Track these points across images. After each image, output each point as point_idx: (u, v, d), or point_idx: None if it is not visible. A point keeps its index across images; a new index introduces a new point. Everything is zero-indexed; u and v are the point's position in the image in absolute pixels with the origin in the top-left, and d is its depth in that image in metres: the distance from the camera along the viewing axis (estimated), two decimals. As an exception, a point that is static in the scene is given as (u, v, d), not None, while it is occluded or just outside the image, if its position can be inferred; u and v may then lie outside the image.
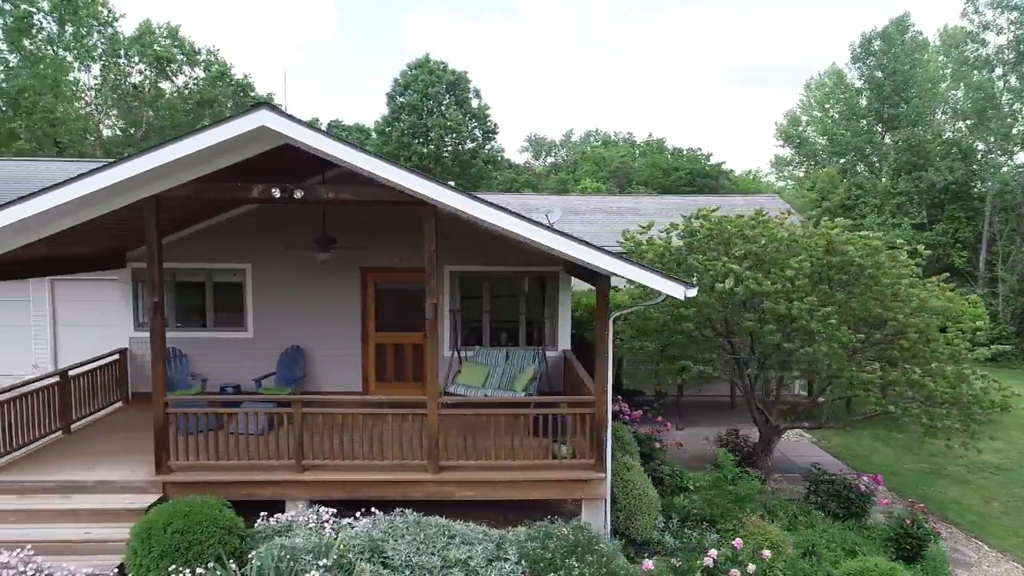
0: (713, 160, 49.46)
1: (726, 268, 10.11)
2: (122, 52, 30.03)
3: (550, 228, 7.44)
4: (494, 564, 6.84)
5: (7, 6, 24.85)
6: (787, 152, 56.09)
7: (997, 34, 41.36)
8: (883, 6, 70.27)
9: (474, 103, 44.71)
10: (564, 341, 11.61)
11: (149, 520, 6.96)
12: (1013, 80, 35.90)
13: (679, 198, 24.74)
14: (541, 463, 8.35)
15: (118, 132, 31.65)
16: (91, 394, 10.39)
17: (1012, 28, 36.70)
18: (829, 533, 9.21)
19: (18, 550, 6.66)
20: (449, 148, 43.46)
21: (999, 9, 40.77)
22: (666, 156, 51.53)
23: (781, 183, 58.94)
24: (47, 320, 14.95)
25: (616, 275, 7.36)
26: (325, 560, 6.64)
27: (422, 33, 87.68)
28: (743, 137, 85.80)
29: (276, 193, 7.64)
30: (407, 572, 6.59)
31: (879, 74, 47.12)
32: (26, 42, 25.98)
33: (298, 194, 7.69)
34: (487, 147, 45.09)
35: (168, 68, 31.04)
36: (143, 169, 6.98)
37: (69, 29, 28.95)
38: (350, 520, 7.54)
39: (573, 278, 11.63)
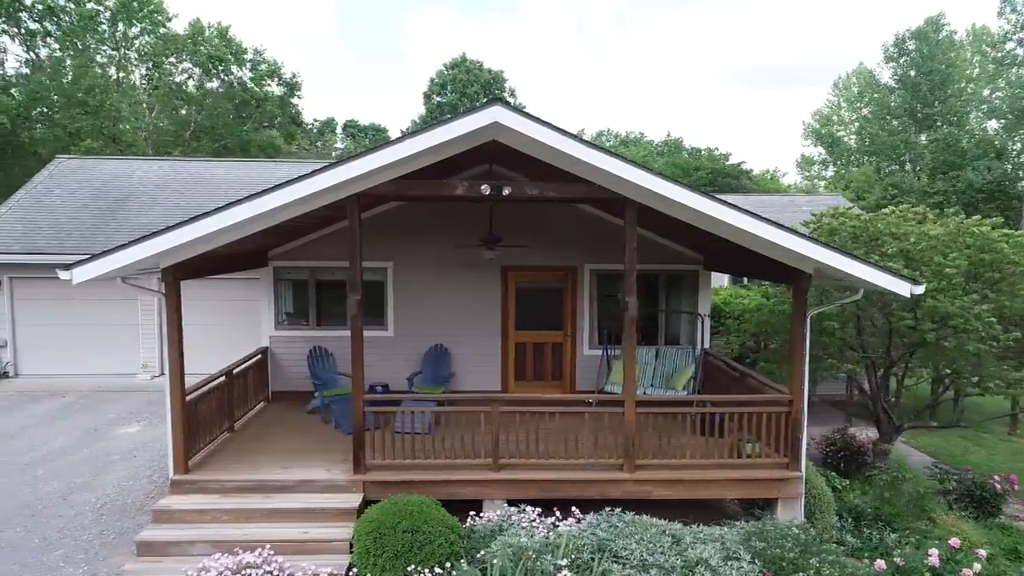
0: (731, 160, 49.35)
1: (885, 267, 10.03)
2: (173, 52, 29.97)
3: (793, 230, 7.39)
4: (729, 563, 6.78)
5: (71, 5, 24.83)
6: (817, 152, 55.99)
7: (1035, 33, 41.36)
8: (885, 5, 70.17)
9: (510, 102, 44.67)
10: (705, 339, 11.55)
11: (374, 520, 6.90)
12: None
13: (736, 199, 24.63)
14: (728, 462, 8.28)
15: (169, 132, 31.60)
16: (245, 393, 10.34)
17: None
18: (977, 532, 9.12)
19: (259, 550, 6.61)
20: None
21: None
22: (684, 156, 51.41)
23: (805, 183, 58.84)
24: (155, 320, 14.90)
25: (853, 275, 7.26)
26: (565, 559, 6.59)
27: (423, 34, 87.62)
28: (756, 137, 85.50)
29: (486, 190, 7.58)
30: (653, 572, 6.52)
31: (913, 73, 46.95)
32: (83, 42, 25.94)
33: (506, 191, 7.63)
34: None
35: (218, 68, 30.96)
36: (374, 167, 6.96)
37: (120, 27, 28.91)
38: (553, 519, 7.48)
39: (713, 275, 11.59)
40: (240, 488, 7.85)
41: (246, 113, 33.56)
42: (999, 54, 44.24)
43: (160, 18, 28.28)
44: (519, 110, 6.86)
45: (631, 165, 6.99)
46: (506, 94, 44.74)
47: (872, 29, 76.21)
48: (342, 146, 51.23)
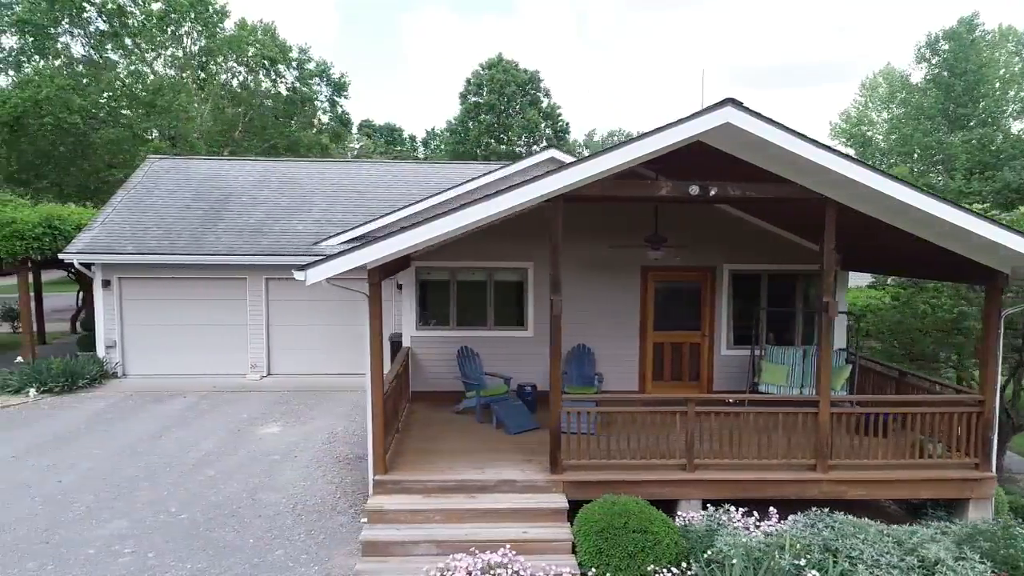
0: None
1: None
2: (223, 51, 29.99)
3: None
4: (960, 563, 6.79)
5: (136, 10, 24.86)
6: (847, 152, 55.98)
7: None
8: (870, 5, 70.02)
9: (544, 102, 44.75)
10: (840, 339, 11.56)
11: (599, 520, 6.94)
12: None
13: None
14: (916, 462, 8.29)
15: (215, 132, 31.62)
16: (398, 393, 10.36)
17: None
18: None
19: (502, 549, 6.64)
20: (523, 147, 43.49)
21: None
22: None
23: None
24: (262, 320, 14.94)
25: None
26: (802, 559, 6.62)
27: (422, 34, 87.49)
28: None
29: (694, 190, 7.61)
30: (895, 573, 6.54)
31: (946, 74, 46.96)
32: (147, 41, 26.02)
33: (712, 191, 7.65)
34: (562, 146, 45.09)
35: (266, 67, 30.98)
36: (612, 165, 6.97)
37: (170, 29, 28.95)
38: (753, 519, 7.50)
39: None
40: (442, 488, 7.87)
41: (295, 112, 33.47)
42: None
43: (216, 18, 28.31)
44: (750, 110, 6.87)
45: (870, 170, 6.99)
46: (541, 94, 44.79)
47: (865, 27, 76.00)
48: (358, 145, 51.20)
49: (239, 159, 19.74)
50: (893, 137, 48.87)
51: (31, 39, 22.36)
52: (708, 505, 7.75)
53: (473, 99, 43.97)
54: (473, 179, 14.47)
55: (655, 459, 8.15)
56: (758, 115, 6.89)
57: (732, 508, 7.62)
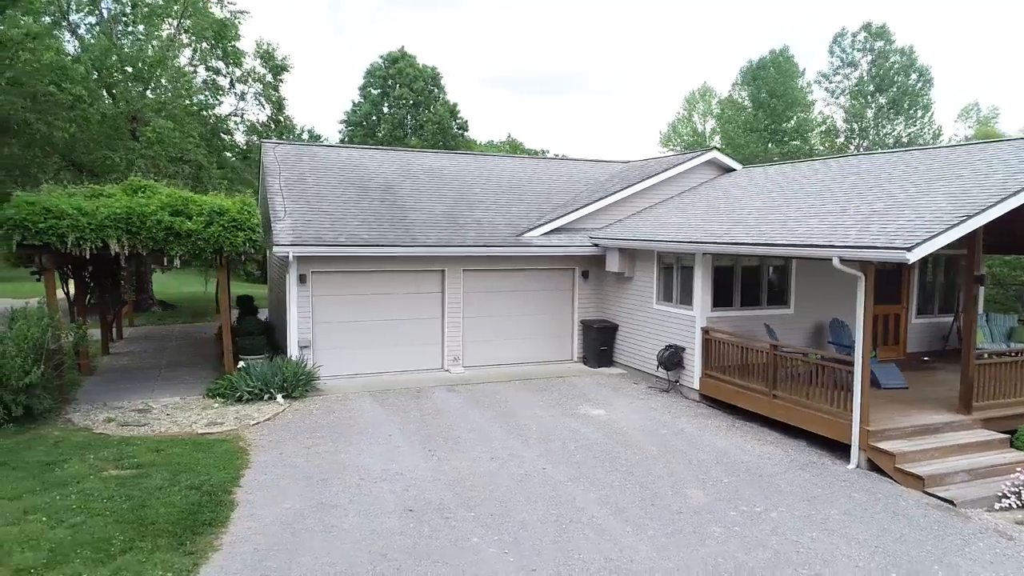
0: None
1: None
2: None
3: None
4: None
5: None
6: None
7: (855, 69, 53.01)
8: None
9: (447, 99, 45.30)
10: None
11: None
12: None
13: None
14: None
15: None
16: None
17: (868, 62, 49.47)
18: None
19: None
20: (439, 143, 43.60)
21: (859, 52, 52.54)
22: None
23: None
24: (459, 311, 14.74)
25: None
26: None
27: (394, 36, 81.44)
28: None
29: None
30: None
31: (766, 95, 56.15)
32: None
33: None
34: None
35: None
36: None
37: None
38: None
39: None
40: (914, 432, 9.56)
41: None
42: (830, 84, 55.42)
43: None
44: None
45: None
46: (440, 91, 45.18)
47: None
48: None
49: (360, 147, 18.59)
50: (730, 147, 56.81)
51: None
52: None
53: (376, 92, 43.01)
54: (655, 174, 15.88)
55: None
56: None
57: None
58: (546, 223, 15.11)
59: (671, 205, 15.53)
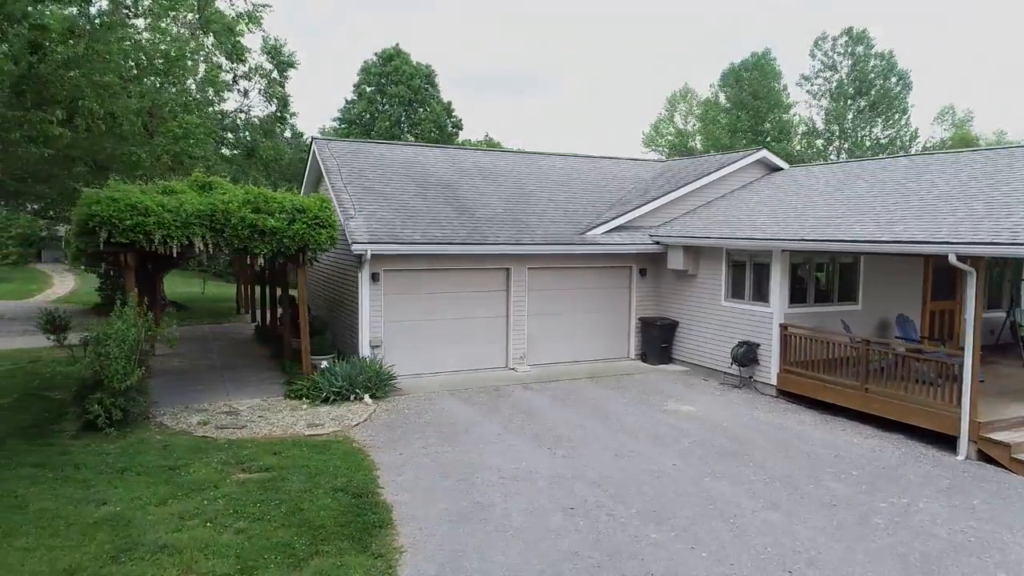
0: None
1: None
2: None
3: None
4: None
5: None
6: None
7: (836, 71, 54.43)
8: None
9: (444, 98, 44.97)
10: (1026, 303, 15.53)
11: None
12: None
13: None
14: None
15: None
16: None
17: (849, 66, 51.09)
18: None
19: None
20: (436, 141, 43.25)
21: (840, 55, 54.11)
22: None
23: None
24: (524, 309, 14.68)
25: None
26: None
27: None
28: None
29: None
30: None
31: (751, 97, 57.18)
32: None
33: None
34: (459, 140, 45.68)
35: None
36: None
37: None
38: None
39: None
40: (1020, 422, 9.86)
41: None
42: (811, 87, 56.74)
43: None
44: None
45: None
46: (435, 89, 44.81)
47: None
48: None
49: (412, 144, 18.33)
50: (712, 145, 57.66)
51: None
52: None
53: (371, 89, 42.49)
54: (708, 173, 16.06)
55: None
56: None
57: None
58: (607, 221, 15.14)
59: (727, 203, 15.70)
